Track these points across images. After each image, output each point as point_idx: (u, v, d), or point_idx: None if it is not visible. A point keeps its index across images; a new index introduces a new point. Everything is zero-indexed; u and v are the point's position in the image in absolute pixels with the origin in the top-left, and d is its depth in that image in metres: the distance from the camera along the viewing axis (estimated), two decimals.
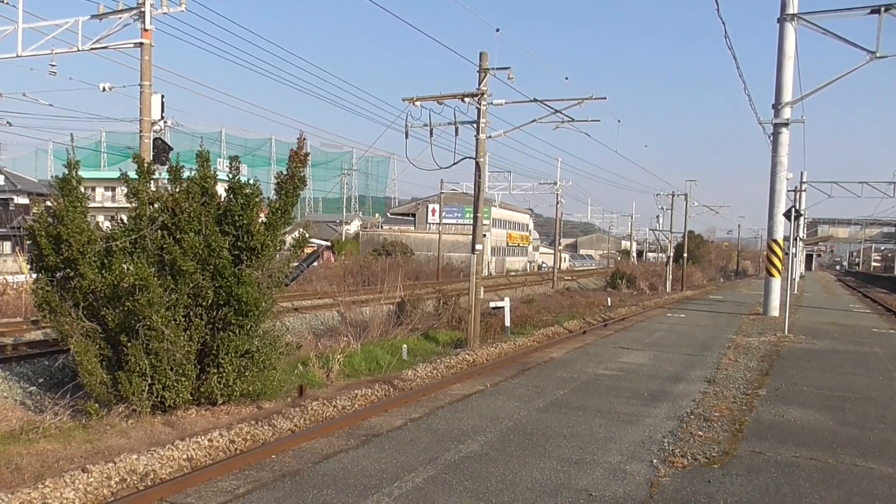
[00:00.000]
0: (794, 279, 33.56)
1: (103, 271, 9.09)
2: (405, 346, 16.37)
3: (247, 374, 9.50)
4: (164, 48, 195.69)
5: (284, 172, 10.27)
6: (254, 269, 9.64)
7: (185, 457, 6.95)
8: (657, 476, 5.88)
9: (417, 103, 18.44)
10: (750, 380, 10.44)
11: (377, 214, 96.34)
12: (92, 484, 6.02)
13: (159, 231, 9.44)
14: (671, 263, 48.34)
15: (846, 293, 43.46)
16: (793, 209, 18.06)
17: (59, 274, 9.35)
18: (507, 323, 19.71)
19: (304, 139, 10.56)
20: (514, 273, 63.17)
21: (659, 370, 11.06)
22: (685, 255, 51.63)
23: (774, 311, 20.71)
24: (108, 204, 57.75)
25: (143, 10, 17.07)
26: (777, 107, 20.44)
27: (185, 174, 10.06)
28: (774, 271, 20.91)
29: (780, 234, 20.94)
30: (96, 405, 8.99)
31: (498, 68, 17.81)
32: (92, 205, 12.00)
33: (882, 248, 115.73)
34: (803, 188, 43.03)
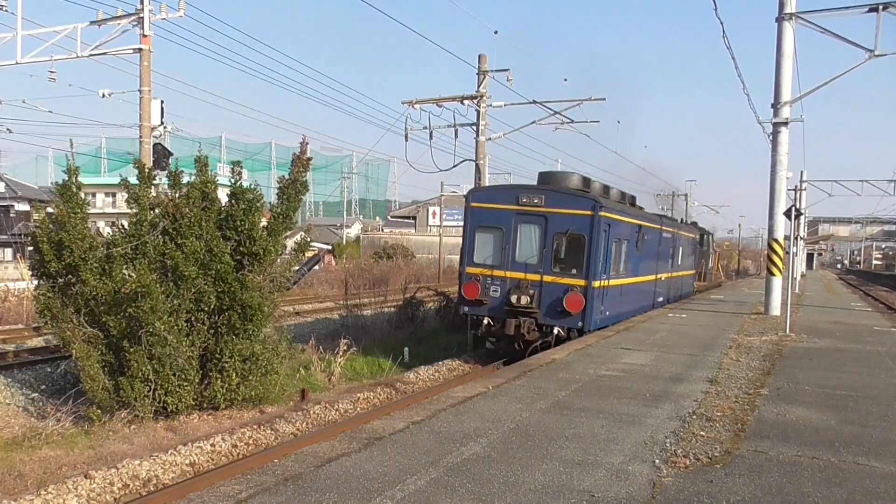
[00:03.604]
0: (796, 278, 33.52)
1: (105, 277, 9.13)
2: (407, 348, 16.39)
3: (249, 378, 9.52)
4: (163, 54, 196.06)
5: (286, 177, 10.30)
6: (256, 273, 9.67)
7: (187, 462, 6.97)
8: (659, 476, 5.88)
9: (417, 106, 18.51)
10: (752, 379, 10.44)
11: (378, 217, 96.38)
12: (95, 490, 6.04)
13: (161, 236, 9.47)
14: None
15: (847, 291, 43.44)
16: (793, 208, 18.07)
17: (60, 280, 9.39)
18: None
19: (307, 143, 10.60)
20: None
21: (661, 370, 11.06)
22: None
23: (776, 310, 20.69)
24: (109, 210, 57.80)
25: (141, 16, 17.11)
26: (776, 106, 20.44)
27: (186, 179, 10.09)
28: (775, 270, 20.90)
29: (780, 233, 20.92)
30: (99, 411, 9.02)
31: (497, 70, 17.90)
32: (93, 211, 12.04)
33: (883, 246, 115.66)
34: (803, 187, 42.98)
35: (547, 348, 13.77)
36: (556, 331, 14.59)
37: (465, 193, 18.84)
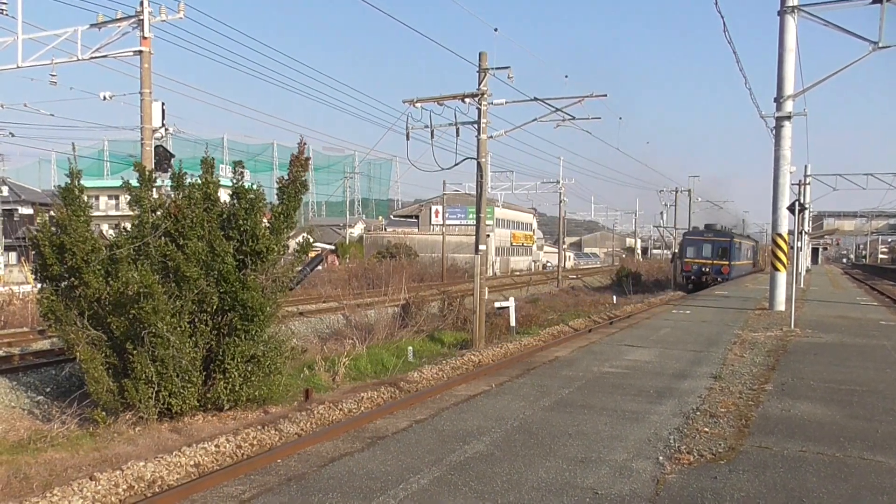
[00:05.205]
0: (800, 273, 33.44)
1: (108, 279, 9.13)
2: (410, 347, 16.38)
3: (253, 379, 9.52)
4: (164, 55, 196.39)
5: (286, 177, 10.30)
6: (258, 273, 9.67)
7: (192, 463, 6.97)
8: (663, 473, 5.87)
9: (418, 105, 18.44)
10: (756, 375, 10.41)
11: (380, 217, 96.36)
12: (100, 492, 6.04)
13: (162, 238, 9.47)
14: (676, 259, 48.34)
15: (853, 286, 43.29)
16: (797, 203, 17.98)
17: (63, 283, 9.39)
18: (513, 323, 19.70)
19: (305, 144, 10.59)
20: (518, 273, 63.15)
21: (665, 367, 11.04)
22: None
23: (780, 305, 20.64)
24: (112, 212, 57.89)
25: (141, 18, 17.13)
26: (779, 100, 20.36)
27: (188, 181, 10.08)
28: (780, 265, 20.83)
29: (784, 229, 20.85)
30: (103, 413, 9.03)
31: (497, 68, 17.81)
32: (95, 213, 12.09)
33: (889, 240, 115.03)
34: (807, 181, 42.83)
35: (715, 285, 38.24)
36: (718, 279, 40.43)
37: (683, 232, 49.72)
